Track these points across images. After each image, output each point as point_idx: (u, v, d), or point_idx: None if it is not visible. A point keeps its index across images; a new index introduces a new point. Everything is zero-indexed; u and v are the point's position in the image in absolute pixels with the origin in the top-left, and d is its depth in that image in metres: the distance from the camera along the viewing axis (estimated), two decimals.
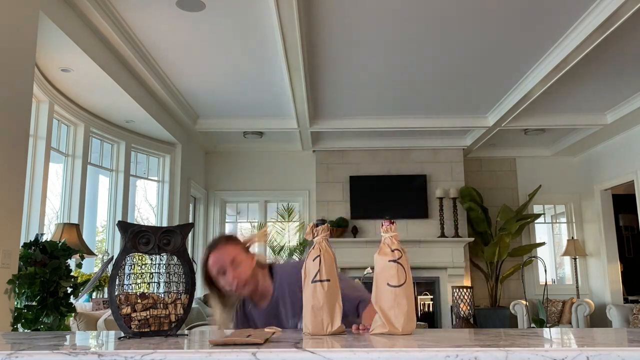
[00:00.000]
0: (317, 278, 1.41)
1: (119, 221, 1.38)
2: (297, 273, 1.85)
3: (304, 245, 7.62)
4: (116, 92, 5.07)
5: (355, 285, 2.03)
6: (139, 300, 1.31)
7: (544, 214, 8.33)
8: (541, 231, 8.44)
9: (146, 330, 1.30)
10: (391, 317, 1.34)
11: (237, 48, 4.82)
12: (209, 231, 8.12)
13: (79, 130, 5.55)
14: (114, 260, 1.33)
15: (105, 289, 5.10)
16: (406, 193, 7.69)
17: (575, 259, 7.95)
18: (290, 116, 6.71)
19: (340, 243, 7.35)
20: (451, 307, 7.01)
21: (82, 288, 3.45)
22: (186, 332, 1.48)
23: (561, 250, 8.18)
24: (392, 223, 1.42)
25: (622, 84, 5.64)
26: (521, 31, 4.49)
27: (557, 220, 8.63)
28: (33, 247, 3.26)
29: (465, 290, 5.55)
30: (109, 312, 4.14)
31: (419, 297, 7.48)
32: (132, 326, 1.29)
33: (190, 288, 1.38)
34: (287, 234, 7.97)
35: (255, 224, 8.09)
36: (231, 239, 1.92)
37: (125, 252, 1.33)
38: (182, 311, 1.35)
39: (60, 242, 3.45)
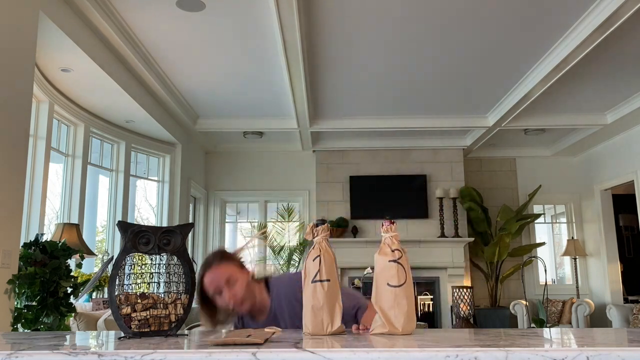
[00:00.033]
0: (317, 278, 1.41)
1: (119, 221, 1.38)
2: (293, 286, 1.86)
3: (304, 245, 7.62)
4: (116, 92, 5.07)
5: (351, 293, 2.03)
6: (139, 300, 1.31)
7: (544, 214, 8.33)
8: (541, 231, 8.44)
9: (146, 330, 1.30)
10: (391, 317, 1.34)
11: (237, 48, 4.82)
12: (209, 231, 8.13)
13: (79, 130, 5.55)
14: (114, 260, 1.33)
15: (105, 289, 5.10)
16: (406, 193, 7.69)
17: (575, 259, 7.95)
18: (290, 116, 6.71)
19: (340, 243, 7.35)
20: (451, 307, 7.01)
21: (82, 288, 3.45)
22: (186, 332, 1.48)
23: (561, 250, 8.18)
24: (392, 223, 1.42)
25: (622, 84, 5.64)
26: (521, 31, 4.49)
27: (557, 220, 8.63)
28: (33, 247, 3.26)
29: (465, 290, 5.55)
30: (109, 312, 4.14)
31: (419, 297, 7.48)
32: (132, 326, 1.29)
33: (190, 288, 1.38)
34: (287, 234, 7.97)
35: (255, 224, 8.09)
36: (225, 257, 1.91)
37: (125, 252, 1.33)
38: (182, 311, 1.35)
39: (60, 242, 3.45)
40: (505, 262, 7.75)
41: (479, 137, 7.34)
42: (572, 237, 8.12)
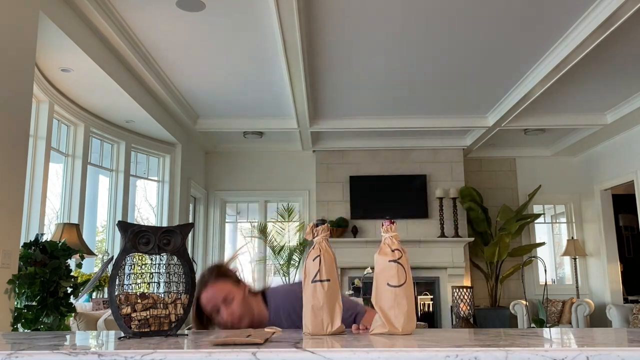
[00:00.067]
0: (317, 278, 1.41)
1: (119, 221, 1.38)
2: (291, 298, 1.85)
3: (304, 245, 7.62)
4: (116, 92, 5.07)
5: (348, 300, 2.02)
6: (139, 300, 1.31)
7: (543, 214, 8.33)
8: (541, 231, 8.44)
9: (146, 330, 1.30)
10: (391, 317, 1.34)
11: (237, 48, 4.82)
12: (209, 231, 8.13)
13: (79, 130, 5.55)
14: (114, 260, 1.33)
15: (105, 289, 5.10)
16: (406, 193, 7.70)
17: (575, 259, 7.95)
18: (290, 116, 6.71)
19: (340, 243, 7.35)
20: (451, 307, 7.01)
21: (82, 288, 3.45)
22: (186, 332, 1.48)
23: (561, 250, 8.18)
24: (393, 223, 1.42)
25: (622, 84, 5.64)
26: (521, 31, 4.49)
27: (557, 220, 8.64)
28: (33, 247, 3.26)
29: (465, 290, 5.54)
30: (109, 312, 4.14)
31: (419, 297, 7.48)
32: (132, 326, 1.29)
33: (190, 288, 1.38)
34: (287, 234, 7.98)
35: (255, 224, 8.09)
36: (220, 274, 1.89)
37: (125, 252, 1.33)
38: (182, 311, 1.35)
39: (60, 242, 3.45)
40: (505, 262, 7.76)
41: (479, 137, 7.34)
42: (572, 237, 8.12)
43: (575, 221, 8.23)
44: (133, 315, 1.29)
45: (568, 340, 1.30)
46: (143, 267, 1.36)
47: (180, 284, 1.38)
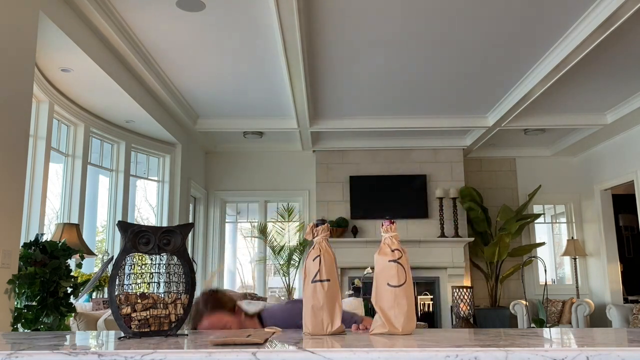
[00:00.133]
0: (317, 278, 1.41)
1: (119, 221, 1.38)
2: (286, 318, 1.85)
3: (304, 245, 7.62)
4: (116, 92, 5.07)
5: (345, 311, 2.03)
6: (139, 300, 1.31)
7: (543, 214, 8.33)
8: (541, 231, 8.44)
9: (146, 330, 1.30)
10: (391, 317, 1.34)
11: (237, 48, 4.82)
12: (209, 231, 8.13)
13: (79, 130, 5.55)
14: (114, 260, 1.33)
15: (105, 289, 5.10)
16: (406, 193, 7.70)
17: (575, 259, 7.95)
18: (290, 116, 6.71)
19: (340, 243, 7.35)
20: (451, 307, 7.01)
21: (82, 288, 3.45)
22: (186, 332, 1.48)
23: (561, 250, 8.18)
24: (392, 223, 1.42)
25: (622, 84, 5.64)
26: (521, 31, 4.49)
27: (557, 220, 8.63)
28: (33, 247, 3.26)
29: (465, 290, 5.54)
30: (109, 312, 4.14)
31: (419, 297, 7.48)
32: (132, 326, 1.29)
33: (190, 288, 1.38)
34: (287, 234, 7.98)
35: (255, 224, 8.09)
36: (215, 305, 1.86)
37: (125, 252, 1.33)
38: (182, 311, 1.35)
39: (60, 242, 3.45)
40: (505, 262, 7.76)
41: (479, 137, 7.34)
42: (572, 237, 8.12)
43: (575, 221, 8.23)
44: (133, 315, 1.29)
45: (568, 340, 1.30)
46: (143, 267, 1.36)
47: (180, 284, 1.38)
